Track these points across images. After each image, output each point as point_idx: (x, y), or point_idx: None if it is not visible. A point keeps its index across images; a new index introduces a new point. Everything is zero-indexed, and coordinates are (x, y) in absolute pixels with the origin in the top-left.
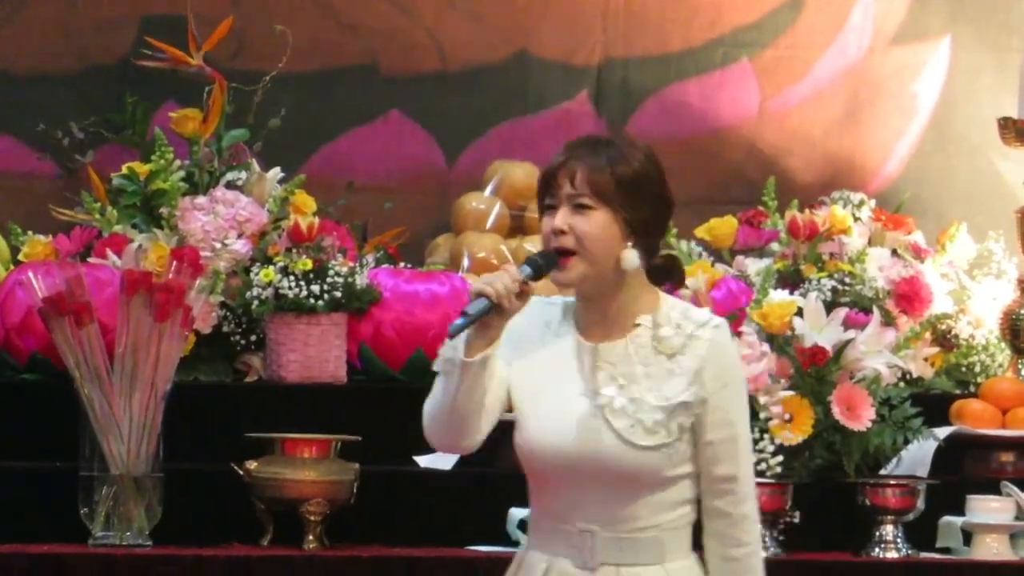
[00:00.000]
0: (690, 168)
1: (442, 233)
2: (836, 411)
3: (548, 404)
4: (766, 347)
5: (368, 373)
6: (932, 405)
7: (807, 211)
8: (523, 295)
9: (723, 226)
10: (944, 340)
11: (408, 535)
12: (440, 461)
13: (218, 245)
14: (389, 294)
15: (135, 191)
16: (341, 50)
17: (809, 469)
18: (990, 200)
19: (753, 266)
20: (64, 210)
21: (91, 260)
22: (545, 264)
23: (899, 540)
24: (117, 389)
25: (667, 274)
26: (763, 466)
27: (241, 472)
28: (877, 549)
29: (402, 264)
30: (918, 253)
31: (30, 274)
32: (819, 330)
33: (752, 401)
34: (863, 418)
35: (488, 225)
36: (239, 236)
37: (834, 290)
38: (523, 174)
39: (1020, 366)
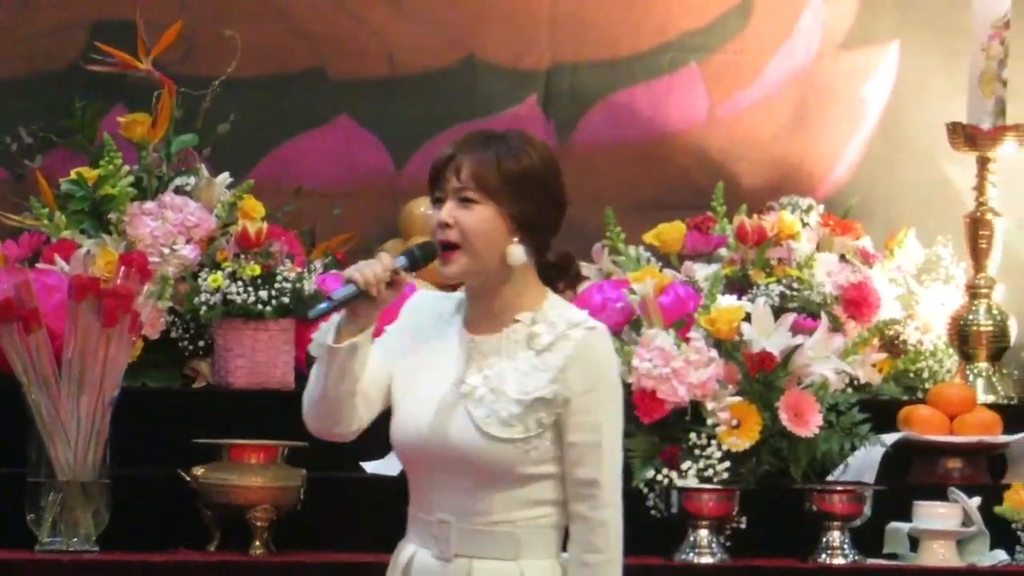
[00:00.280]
0: (639, 173)
1: (391, 238)
2: (784, 417)
3: (418, 392)
4: (714, 352)
5: None
6: (880, 411)
7: (755, 216)
8: (395, 285)
9: (671, 231)
10: (892, 346)
11: (355, 541)
12: (387, 467)
13: (166, 250)
14: None
15: (83, 196)
16: (290, 55)
17: (756, 475)
18: (939, 205)
19: (701, 271)
20: (12, 215)
21: (39, 266)
22: (423, 256)
23: (846, 546)
24: (65, 394)
25: (561, 272)
26: (710, 472)
27: (188, 478)
28: (824, 555)
29: None
30: (866, 258)
31: None
32: (767, 336)
33: (699, 407)
34: (810, 424)
35: None
36: (187, 241)
37: (782, 295)
38: None
39: (968, 372)
